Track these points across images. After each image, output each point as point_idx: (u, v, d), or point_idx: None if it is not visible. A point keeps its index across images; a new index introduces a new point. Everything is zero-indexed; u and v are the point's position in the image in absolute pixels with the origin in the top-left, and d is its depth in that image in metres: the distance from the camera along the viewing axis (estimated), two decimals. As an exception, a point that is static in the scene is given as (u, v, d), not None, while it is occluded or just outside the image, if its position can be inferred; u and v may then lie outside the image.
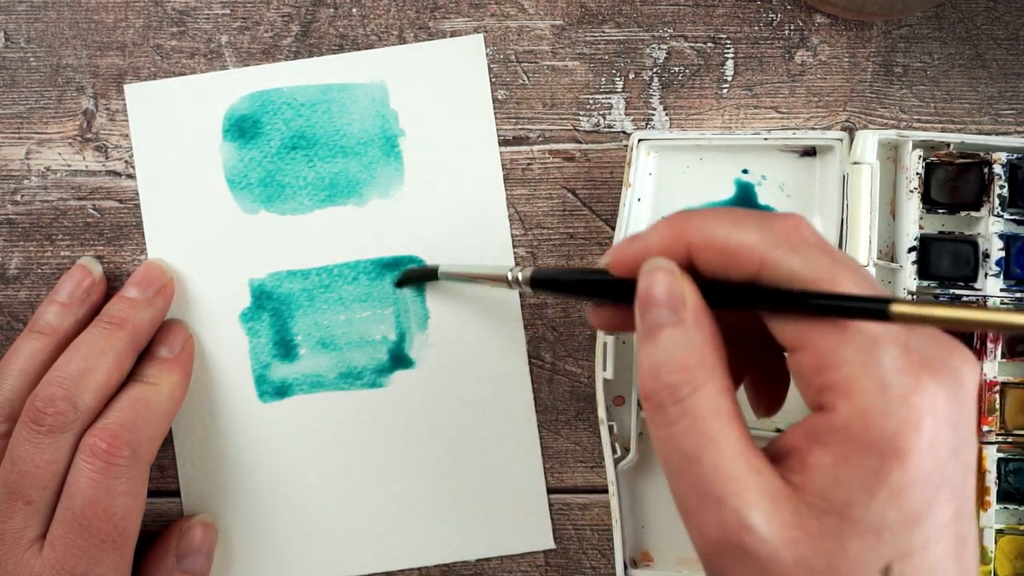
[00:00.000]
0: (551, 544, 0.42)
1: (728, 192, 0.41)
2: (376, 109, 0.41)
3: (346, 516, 0.42)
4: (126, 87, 0.41)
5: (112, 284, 0.42)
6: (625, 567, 0.39)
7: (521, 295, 0.42)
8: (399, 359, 0.42)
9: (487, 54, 0.42)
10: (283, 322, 0.42)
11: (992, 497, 0.38)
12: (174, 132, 0.41)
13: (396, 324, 0.42)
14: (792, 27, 0.41)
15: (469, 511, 0.42)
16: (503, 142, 0.42)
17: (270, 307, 0.42)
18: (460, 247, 0.42)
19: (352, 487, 0.42)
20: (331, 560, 0.42)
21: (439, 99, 0.41)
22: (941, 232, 0.40)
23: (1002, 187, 0.39)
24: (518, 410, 0.42)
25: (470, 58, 0.41)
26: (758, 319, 0.28)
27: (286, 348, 0.42)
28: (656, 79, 0.42)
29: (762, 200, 0.41)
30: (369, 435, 0.42)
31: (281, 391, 0.42)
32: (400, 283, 0.42)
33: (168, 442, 0.42)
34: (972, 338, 0.39)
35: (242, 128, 0.41)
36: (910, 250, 0.39)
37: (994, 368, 0.39)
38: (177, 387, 0.40)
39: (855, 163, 0.38)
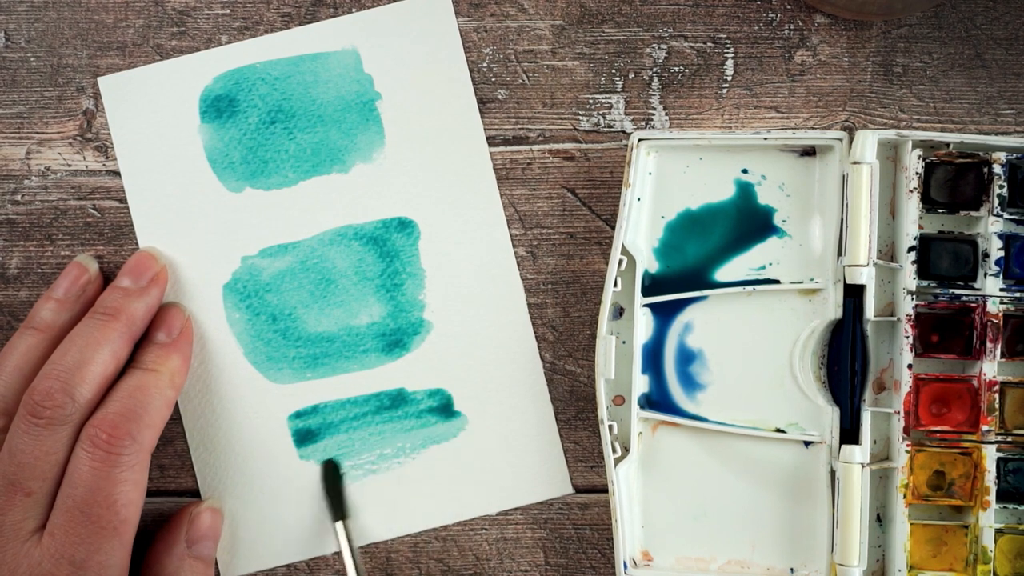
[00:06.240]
0: (569, 489, 0.42)
1: (728, 192, 0.41)
2: (350, 75, 0.42)
3: (363, 483, 0.42)
4: (99, 79, 0.41)
5: (110, 282, 0.42)
6: (625, 567, 0.39)
7: (521, 280, 0.42)
8: (400, 321, 0.42)
9: (487, 54, 0.42)
10: (280, 296, 0.42)
11: (991, 496, 0.38)
12: (152, 120, 0.42)
13: (393, 285, 0.42)
14: (792, 27, 0.42)
15: (485, 466, 0.42)
16: (503, 141, 0.42)
17: (265, 283, 0.42)
18: (447, 204, 0.42)
19: (366, 452, 0.42)
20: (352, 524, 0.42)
21: (412, 59, 0.41)
22: (941, 232, 0.40)
23: (1001, 187, 0.39)
24: (524, 358, 0.42)
25: (438, 16, 0.41)
26: None
27: (286, 322, 0.42)
28: (656, 79, 0.42)
29: (762, 200, 0.41)
30: (376, 400, 0.42)
31: (284, 366, 0.42)
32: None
33: (168, 440, 0.42)
34: (972, 336, 0.39)
35: (219, 108, 0.42)
36: (910, 250, 0.39)
37: (993, 368, 0.39)
38: (177, 372, 0.40)
39: (855, 163, 0.38)
